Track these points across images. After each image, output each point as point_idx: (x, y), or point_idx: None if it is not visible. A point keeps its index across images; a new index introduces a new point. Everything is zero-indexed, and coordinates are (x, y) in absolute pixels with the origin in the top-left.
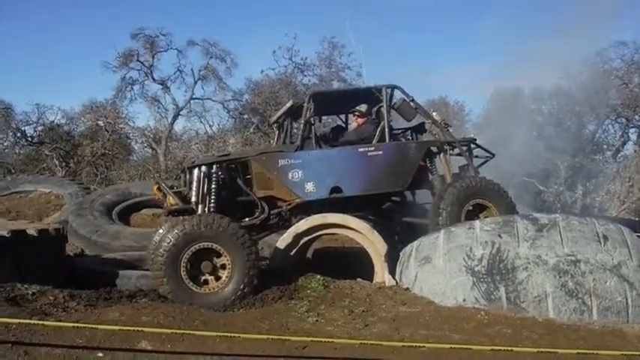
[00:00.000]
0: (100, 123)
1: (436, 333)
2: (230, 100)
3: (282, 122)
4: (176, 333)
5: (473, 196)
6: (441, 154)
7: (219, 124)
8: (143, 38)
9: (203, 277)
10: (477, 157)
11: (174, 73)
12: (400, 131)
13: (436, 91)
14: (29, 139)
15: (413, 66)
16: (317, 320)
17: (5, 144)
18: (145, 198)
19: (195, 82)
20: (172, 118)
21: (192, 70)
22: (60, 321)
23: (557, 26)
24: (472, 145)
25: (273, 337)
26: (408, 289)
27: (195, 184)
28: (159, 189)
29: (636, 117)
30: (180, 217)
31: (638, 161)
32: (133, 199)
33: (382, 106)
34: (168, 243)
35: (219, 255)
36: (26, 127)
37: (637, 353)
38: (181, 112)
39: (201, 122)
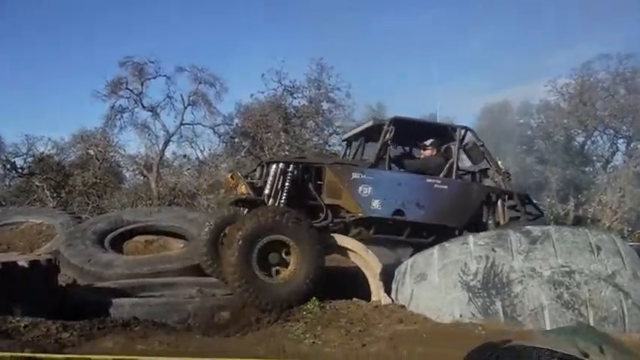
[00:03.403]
0: (91, 152)
1: (434, 350)
2: (220, 125)
3: (353, 141)
4: None
5: None
6: (499, 202)
7: (210, 149)
8: (131, 66)
9: (274, 269)
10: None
11: (164, 100)
12: (464, 172)
13: (426, 109)
14: (19, 170)
15: (402, 83)
16: (314, 342)
17: None
18: (138, 225)
19: (185, 108)
20: (163, 145)
21: (181, 96)
22: (53, 353)
23: (544, 40)
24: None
25: None
26: (404, 306)
27: (271, 178)
28: (232, 177)
29: (624, 128)
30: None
31: (628, 171)
32: (125, 227)
33: (454, 144)
34: (245, 232)
35: (286, 248)
36: (16, 159)
37: None
38: (172, 138)
39: (192, 147)
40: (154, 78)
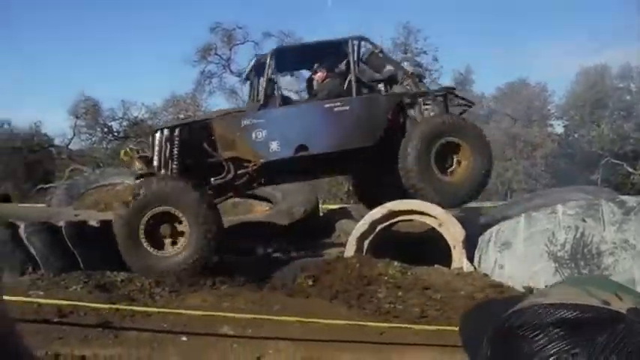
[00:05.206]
0: (181, 116)
1: None
2: (304, 90)
3: (252, 79)
4: (256, 318)
5: (443, 134)
6: (415, 107)
7: None
8: (221, 32)
9: (167, 240)
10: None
11: None
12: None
13: (517, 72)
14: (115, 134)
15: (493, 47)
16: (394, 306)
17: (94, 139)
18: None
19: None
20: None
21: None
22: (146, 306)
23: None
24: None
25: (351, 322)
26: (486, 275)
27: (157, 148)
28: (125, 154)
29: None
30: (141, 181)
31: None
32: None
33: (349, 59)
34: (128, 206)
35: (177, 219)
36: (112, 123)
37: None
38: None
39: None
40: (242, 44)
